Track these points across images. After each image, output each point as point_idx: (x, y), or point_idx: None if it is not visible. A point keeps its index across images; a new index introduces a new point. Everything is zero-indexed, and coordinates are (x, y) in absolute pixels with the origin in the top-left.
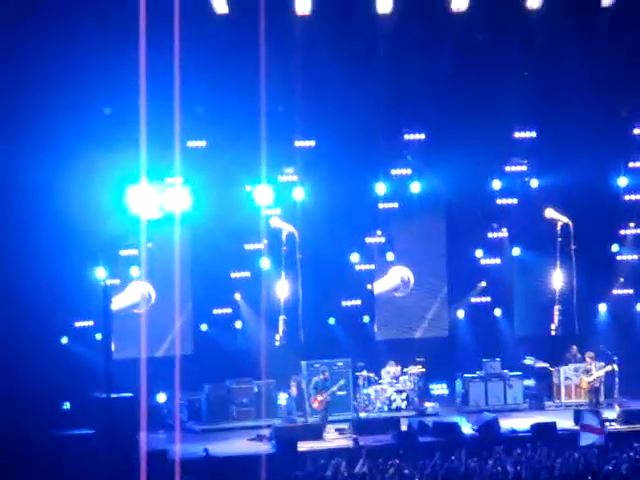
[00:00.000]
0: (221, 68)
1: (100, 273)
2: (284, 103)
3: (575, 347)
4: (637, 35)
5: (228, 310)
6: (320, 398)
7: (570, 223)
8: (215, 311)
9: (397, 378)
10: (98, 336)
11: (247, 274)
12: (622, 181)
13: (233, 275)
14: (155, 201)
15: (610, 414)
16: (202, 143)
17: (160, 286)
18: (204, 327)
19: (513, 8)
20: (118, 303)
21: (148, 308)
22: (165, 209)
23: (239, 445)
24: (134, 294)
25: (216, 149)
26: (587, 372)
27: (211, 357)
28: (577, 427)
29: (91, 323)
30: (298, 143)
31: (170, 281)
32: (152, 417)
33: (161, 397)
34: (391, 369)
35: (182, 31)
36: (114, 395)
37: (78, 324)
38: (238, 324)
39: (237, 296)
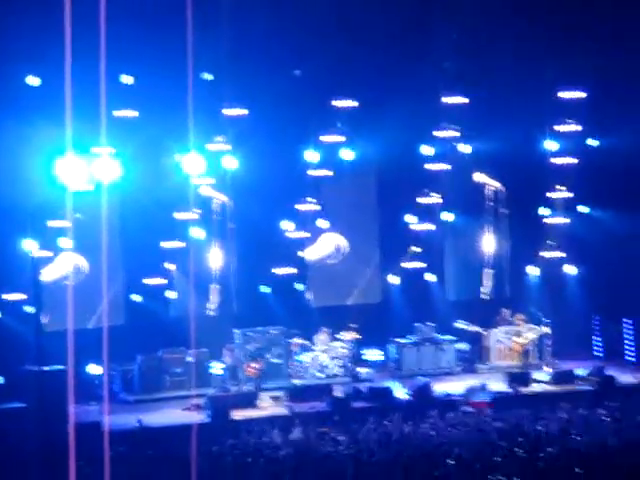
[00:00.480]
0: (148, 36)
1: (29, 245)
2: (213, 71)
3: (506, 310)
4: None
5: (160, 280)
6: (254, 365)
7: (500, 187)
8: (147, 281)
9: (330, 345)
10: (28, 309)
11: (179, 244)
12: (550, 144)
13: (164, 245)
14: (84, 172)
15: (541, 375)
16: (131, 113)
17: (90, 257)
18: (136, 297)
19: None
20: (48, 275)
21: (79, 279)
22: (94, 180)
23: (173, 415)
24: (64, 265)
25: (146, 119)
26: (518, 334)
27: (143, 327)
28: (510, 390)
29: (21, 296)
30: (228, 111)
31: (100, 252)
32: (84, 389)
33: (93, 368)
34: (324, 336)
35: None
36: (45, 368)
37: (7, 297)
38: (170, 294)
39: (169, 266)
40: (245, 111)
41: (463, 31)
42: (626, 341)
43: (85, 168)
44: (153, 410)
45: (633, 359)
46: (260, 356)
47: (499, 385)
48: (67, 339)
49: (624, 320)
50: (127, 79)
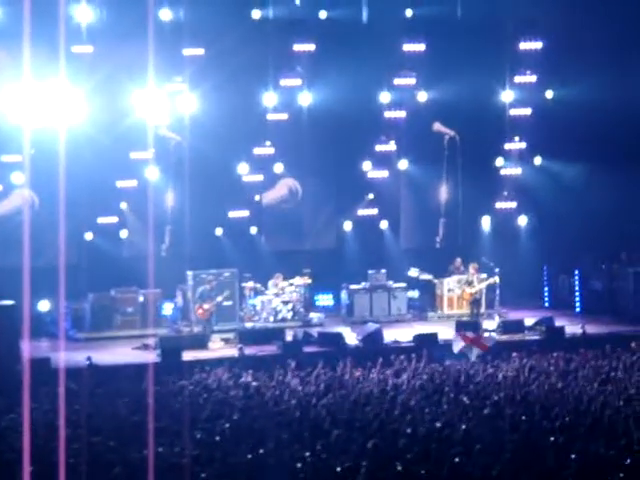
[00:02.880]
0: None
1: None
2: (172, 10)
3: (459, 259)
4: None
5: (114, 219)
6: (206, 306)
7: (457, 137)
8: (100, 220)
9: (283, 289)
10: None
11: (134, 183)
12: (508, 95)
13: (119, 184)
14: (40, 106)
15: (490, 324)
16: (89, 49)
17: (44, 194)
18: (89, 236)
19: None
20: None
21: (31, 215)
22: (50, 115)
23: (123, 354)
24: (16, 200)
25: (103, 55)
26: (469, 284)
27: (96, 266)
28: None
29: None
30: (187, 51)
31: (54, 189)
32: (34, 325)
33: (43, 305)
34: (277, 281)
35: None
36: None
37: None
38: (124, 233)
39: (123, 205)
40: (202, 51)
41: None
42: (575, 292)
43: (42, 103)
44: (103, 348)
45: (579, 309)
46: (210, 298)
47: (449, 333)
48: (17, 275)
49: (575, 271)
50: (86, 16)
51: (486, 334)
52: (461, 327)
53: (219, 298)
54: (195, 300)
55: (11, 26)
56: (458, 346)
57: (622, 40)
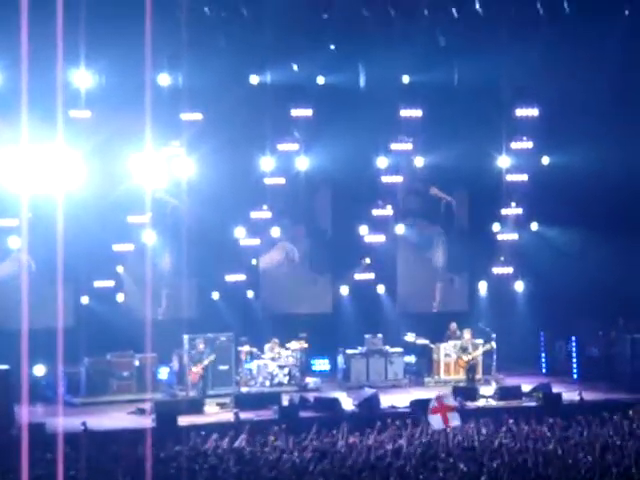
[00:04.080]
0: (106, 38)
1: None
2: (171, 75)
3: (454, 324)
4: (517, 17)
5: (110, 283)
6: (194, 369)
7: (453, 202)
8: (97, 283)
9: (279, 354)
10: None
11: (130, 247)
12: (504, 161)
13: (116, 248)
14: (38, 171)
15: (487, 390)
16: (87, 113)
17: (41, 258)
18: (85, 299)
19: None
20: None
21: (28, 279)
22: (48, 179)
23: (119, 419)
24: (13, 264)
25: (101, 120)
26: (464, 350)
27: (92, 330)
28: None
29: None
30: (185, 116)
31: (51, 253)
32: (30, 390)
33: (39, 370)
34: (274, 346)
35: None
36: None
37: None
38: (120, 297)
39: (120, 269)
40: (200, 115)
41: (421, 45)
42: (572, 358)
43: (41, 168)
44: (99, 413)
45: (576, 376)
46: (199, 361)
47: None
48: (12, 339)
49: (572, 338)
50: (84, 81)
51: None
52: (458, 393)
53: (205, 362)
54: (188, 364)
55: (10, 90)
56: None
57: (616, 107)
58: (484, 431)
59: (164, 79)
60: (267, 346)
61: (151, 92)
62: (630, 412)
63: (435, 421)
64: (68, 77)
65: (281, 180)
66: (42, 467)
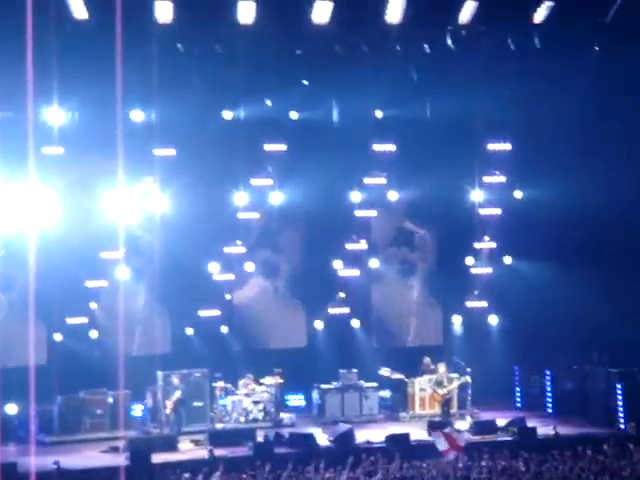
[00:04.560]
0: (78, 75)
1: None
2: (143, 111)
3: (428, 358)
4: (488, 52)
5: (83, 319)
6: (168, 403)
7: (427, 235)
8: (69, 320)
9: (254, 390)
10: None
11: (104, 283)
12: (477, 195)
13: (89, 284)
14: (10, 208)
15: (462, 425)
16: (59, 150)
17: (12, 295)
18: (58, 336)
19: (375, 21)
20: None
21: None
22: (20, 217)
23: (92, 457)
24: None
25: (74, 156)
26: (440, 383)
27: (65, 367)
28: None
29: None
30: (158, 152)
31: (23, 290)
32: (1, 429)
33: (11, 408)
34: (248, 382)
35: (38, 34)
36: None
37: None
38: (93, 334)
39: (93, 305)
40: (173, 151)
41: (394, 80)
42: (547, 392)
43: (11, 205)
44: (71, 452)
45: (551, 410)
46: (171, 393)
47: (421, 433)
48: None
49: (545, 372)
50: (57, 118)
51: (457, 434)
52: (433, 427)
53: (173, 397)
54: (163, 399)
55: None
56: (441, 444)
57: (588, 140)
58: (459, 466)
59: (137, 115)
60: (241, 382)
61: (124, 128)
62: (604, 446)
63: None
64: (41, 114)
65: (255, 215)
66: None
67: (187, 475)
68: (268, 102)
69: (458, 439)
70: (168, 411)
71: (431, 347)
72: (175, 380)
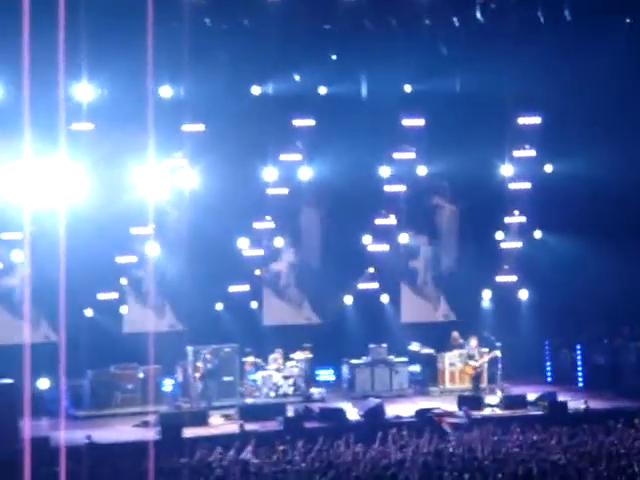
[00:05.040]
0: (108, 51)
1: None
2: (173, 87)
3: (456, 333)
4: (518, 25)
5: (114, 295)
6: (196, 375)
7: (456, 210)
8: (100, 296)
9: (284, 365)
10: None
11: (133, 258)
12: (507, 169)
13: (119, 260)
14: (41, 184)
15: (492, 399)
16: (89, 126)
17: (44, 271)
18: (88, 312)
19: None
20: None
21: (31, 292)
22: (50, 193)
23: (123, 432)
24: (16, 277)
25: (103, 133)
26: (470, 358)
27: (96, 343)
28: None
29: None
30: (187, 127)
31: (54, 266)
32: (34, 404)
33: (42, 383)
34: (277, 357)
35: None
36: None
37: None
38: (124, 309)
39: (123, 281)
40: (202, 127)
41: (423, 54)
42: (578, 366)
43: (42, 181)
44: (103, 426)
45: (582, 384)
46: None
47: (451, 408)
48: (15, 353)
49: (577, 346)
50: (86, 94)
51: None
52: (463, 402)
53: (199, 370)
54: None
55: (12, 105)
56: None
57: (619, 113)
58: (490, 440)
59: (166, 91)
60: (271, 357)
61: (153, 104)
62: (636, 420)
63: None
64: (70, 91)
65: (284, 190)
66: None
67: (220, 449)
68: (297, 77)
69: (444, 423)
70: (197, 383)
71: (461, 322)
72: (208, 355)
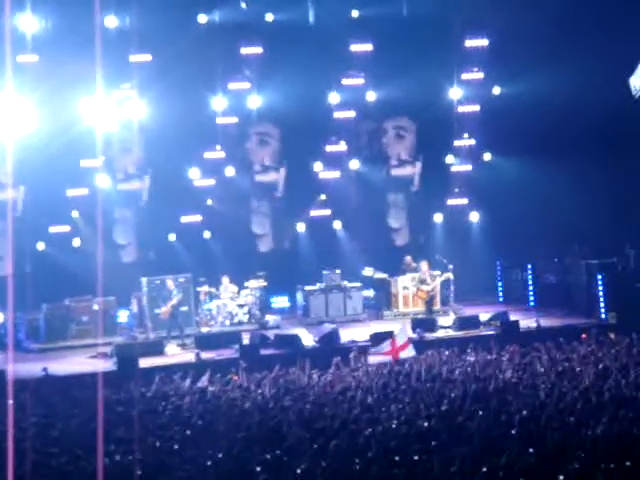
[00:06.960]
0: None
1: None
2: (118, 17)
3: (409, 257)
4: None
5: (66, 228)
6: (164, 309)
7: (406, 135)
8: (52, 229)
9: (238, 293)
10: None
11: (84, 191)
12: (456, 93)
13: (70, 192)
14: None
15: (445, 321)
16: (34, 58)
17: None
18: (41, 246)
19: None
20: None
21: None
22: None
23: (79, 363)
24: None
25: (49, 65)
26: (422, 281)
27: (49, 276)
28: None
29: None
30: (134, 58)
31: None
32: None
33: None
34: (226, 282)
35: None
36: None
37: None
38: (76, 242)
39: (75, 213)
40: (149, 57)
41: None
42: (529, 286)
43: None
44: (59, 358)
45: (533, 303)
46: (169, 299)
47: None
48: None
49: (528, 266)
50: (30, 25)
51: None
52: (417, 325)
53: (173, 300)
54: (158, 303)
55: None
56: (387, 345)
57: (565, 34)
58: (443, 361)
59: (112, 21)
60: (222, 287)
61: (99, 35)
62: (583, 335)
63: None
64: (14, 22)
65: (233, 119)
66: (2, 414)
67: (177, 376)
68: (243, 5)
69: (401, 350)
70: (166, 316)
71: (412, 246)
72: (170, 284)
